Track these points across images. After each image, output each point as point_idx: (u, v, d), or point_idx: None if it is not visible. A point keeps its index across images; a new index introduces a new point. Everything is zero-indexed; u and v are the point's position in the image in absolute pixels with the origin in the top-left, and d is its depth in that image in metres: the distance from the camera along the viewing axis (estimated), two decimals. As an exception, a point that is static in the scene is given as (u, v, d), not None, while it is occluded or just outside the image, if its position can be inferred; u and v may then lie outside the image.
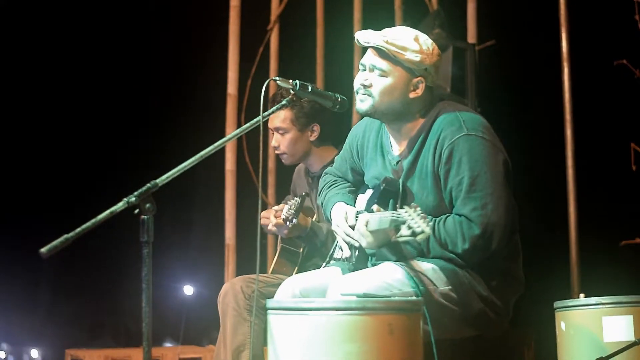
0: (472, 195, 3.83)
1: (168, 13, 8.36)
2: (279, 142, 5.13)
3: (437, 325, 3.69)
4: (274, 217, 4.97)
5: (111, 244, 7.42)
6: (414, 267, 3.89)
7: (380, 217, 3.76)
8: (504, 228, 3.84)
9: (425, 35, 4.02)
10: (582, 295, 4.37)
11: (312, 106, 4.99)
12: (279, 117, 5.06)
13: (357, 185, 4.39)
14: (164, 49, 8.37)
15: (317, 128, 5.08)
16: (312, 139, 5.10)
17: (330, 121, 5.11)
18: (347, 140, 4.43)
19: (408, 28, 4.04)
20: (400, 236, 3.58)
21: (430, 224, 3.53)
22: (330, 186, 4.40)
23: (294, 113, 5.05)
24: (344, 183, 4.41)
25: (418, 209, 3.55)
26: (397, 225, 3.60)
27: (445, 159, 3.89)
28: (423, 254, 3.94)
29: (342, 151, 4.48)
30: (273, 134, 5.17)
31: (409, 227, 3.52)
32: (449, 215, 3.88)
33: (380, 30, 4.02)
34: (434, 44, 4.01)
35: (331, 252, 4.53)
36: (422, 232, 3.49)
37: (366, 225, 3.86)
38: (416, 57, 3.91)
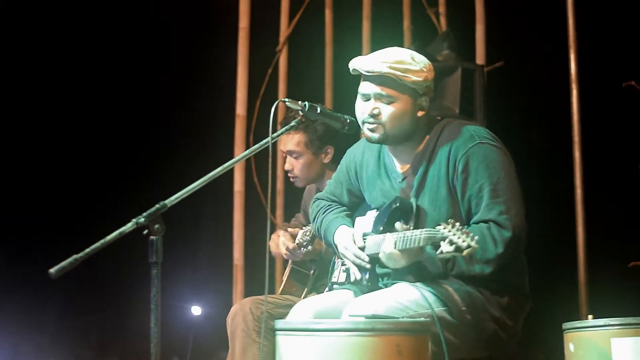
0: (496, 201, 3.83)
1: (177, 34, 8.38)
2: (293, 166, 5.11)
3: (451, 346, 3.69)
4: (288, 241, 4.95)
5: (119, 264, 7.42)
6: (429, 288, 3.89)
7: (410, 236, 3.71)
8: (526, 232, 3.87)
9: (416, 52, 4.02)
10: (590, 316, 4.36)
11: (326, 128, 4.98)
12: (293, 141, 5.05)
13: (352, 207, 4.38)
14: (173, 70, 8.38)
15: (330, 150, 5.07)
16: (326, 161, 5.09)
17: (344, 142, 5.09)
18: (342, 162, 4.42)
19: (399, 48, 4.03)
20: (441, 252, 3.51)
21: (476, 237, 3.46)
22: (325, 211, 4.38)
23: (308, 136, 5.03)
24: (338, 207, 4.39)
25: (457, 224, 3.51)
26: (434, 242, 3.56)
27: (462, 168, 3.89)
28: (446, 273, 3.92)
29: (336, 174, 4.45)
30: (285, 157, 5.15)
31: (451, 243, 3.47)
32: (469, 226, 3.86)
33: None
34: (424, 58, 4.02)
35: (330, 276, 4.49)
36: (469, 246, 3.43)
37: (394, 246, 3.82)
38: (419, 77, 3.91)
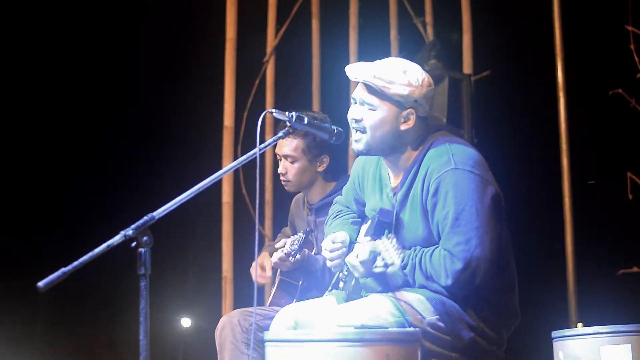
0: (456, 230, 3.80)
1: (164, 45, 8.39)
2: (287, 169, 5.08)
3: (430, 353, 3.71)
4: (279, 249, 4.94)
5: (108, 276, 7.41)
6: (401, 298, 3.88)
7: (363, 248, 3.82)
8: (489, 263, 3.80)
9: (417, 67, 3.99)
10: (580, 324, 4.36)
11: None
12: (291, 145, 5.02)
13: (362, 215, 4.39)
14: (162, 81, 8.39)
15: (326, 159, 5.05)
16: (320, 169, 5.07)
17: (340, 153, 5.08)
18: (351, 172, 4.44)
19: (399, 60, 4.02)
20: (376, 267, 3.71)
21: (401, 255, 3.63)
22: (336, 216, 4.42)
23: (306, 143, 5.01)
24: (348, 213, 4.41)
25: (394, 240, 3.66)
26: (374, 256, 3.72)
27: (433, 192, 3.88)
28: (408, 284, 3.93)
29: (348, 182, 4.48)
30: (280, 159, 5.13)
31: (382, 259, 3.66)
32: (437, 248, 3.87)
33: (373, 61, 4.03)
34: (425, 75, 3.98)
35: (334, 280, 4.51)
36: (392, 264, 3.65)
37: (357, 257, 3.87)
38: (404, 91, 3.90)
